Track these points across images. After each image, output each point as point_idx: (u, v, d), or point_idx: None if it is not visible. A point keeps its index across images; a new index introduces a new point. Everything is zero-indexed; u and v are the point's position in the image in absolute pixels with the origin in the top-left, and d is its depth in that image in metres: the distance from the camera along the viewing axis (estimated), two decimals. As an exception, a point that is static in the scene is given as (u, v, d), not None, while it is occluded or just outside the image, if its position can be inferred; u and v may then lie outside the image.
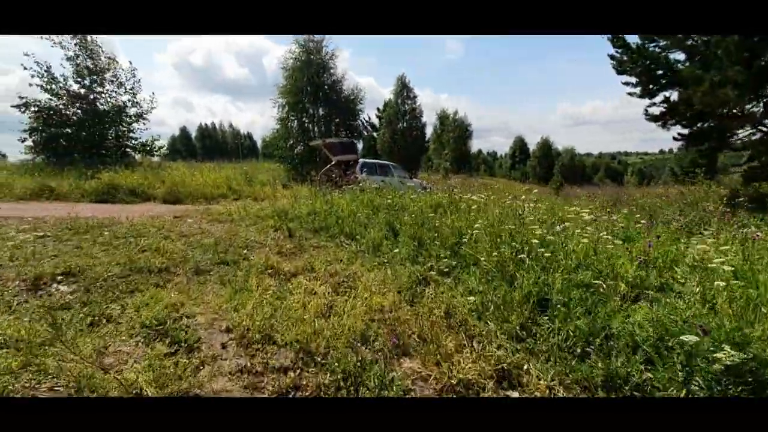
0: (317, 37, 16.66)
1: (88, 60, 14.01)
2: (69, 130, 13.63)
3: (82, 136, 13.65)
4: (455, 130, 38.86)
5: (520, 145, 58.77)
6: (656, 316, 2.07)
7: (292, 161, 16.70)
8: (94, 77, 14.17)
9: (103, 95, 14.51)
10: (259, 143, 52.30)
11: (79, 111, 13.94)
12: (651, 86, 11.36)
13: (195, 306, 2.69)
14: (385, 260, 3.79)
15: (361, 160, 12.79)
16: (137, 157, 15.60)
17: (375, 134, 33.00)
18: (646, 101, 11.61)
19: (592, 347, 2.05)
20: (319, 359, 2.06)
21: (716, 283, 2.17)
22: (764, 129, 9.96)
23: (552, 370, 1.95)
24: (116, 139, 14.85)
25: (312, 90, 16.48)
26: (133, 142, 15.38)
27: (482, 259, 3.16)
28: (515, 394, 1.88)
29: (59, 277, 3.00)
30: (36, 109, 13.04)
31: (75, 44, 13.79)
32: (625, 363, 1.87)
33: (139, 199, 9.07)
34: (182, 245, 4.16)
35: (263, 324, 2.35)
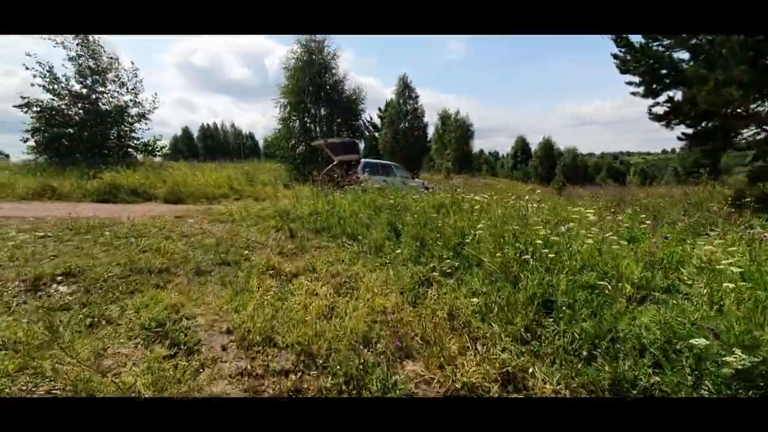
0: (319, 37, 16.67)
1: (90, 60, 14.01)
2: (71, 130, 13.65)
3: (84, 136, 13.67)
4: (457, 129, 38.77)
5: (521, 145, 58.54)
6: (663, 318, 2.03)
7: (294, 161, 16.69)
8: (96, 77, 14.17)
9: (105, 95, 14.52)
10: (261, 143, 52.43)
11: (81, 111, 13.96)
12: (655, 85, 11.26)
13: (195, 307, 2.67)
14: (388, 261, 3.76)
15: (363, 160, 12.75)
16: (139, 157, 15.59)
17: (377, 134, 32.97)
18: (650, 101, 11.54)
19: (599, 350, 2.01)
20: (320, 362, 2.03)
21: (725, 284, 2.13)
22: (769, 129, 9.87)
23: (558, 374, 1.92)
24: (118, 139, 14.85)
25: (314, 90, 16.47)
26: (134, 142, 15.38)
27: (485, 259, 3.12)
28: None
29: (59, 278, 2.99)
30: (38, 109, 13.05)
31: (77, 44, 13.80)
32: (633, 366, 1.84)
33: (140, 199, 9.09)
34: (183, 245, 4.14)
35: (264, 325, 2.32)
